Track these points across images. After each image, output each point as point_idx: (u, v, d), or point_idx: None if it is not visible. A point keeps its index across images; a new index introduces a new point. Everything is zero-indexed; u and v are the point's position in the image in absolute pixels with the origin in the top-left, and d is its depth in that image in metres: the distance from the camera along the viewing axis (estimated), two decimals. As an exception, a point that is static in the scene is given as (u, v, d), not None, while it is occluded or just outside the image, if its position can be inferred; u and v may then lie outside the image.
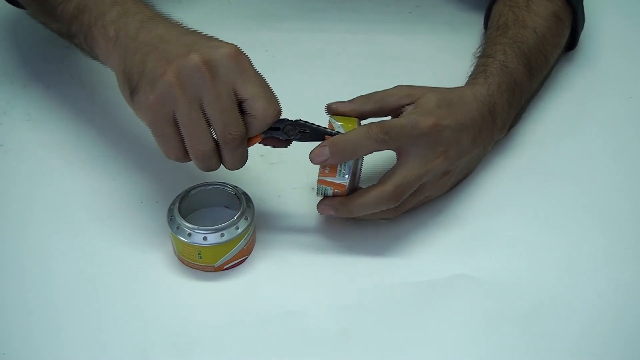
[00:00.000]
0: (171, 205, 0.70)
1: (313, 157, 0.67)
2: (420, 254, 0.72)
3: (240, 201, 0.70)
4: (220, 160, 0.66)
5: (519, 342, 0.66)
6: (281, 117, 0.66)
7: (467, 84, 0.78)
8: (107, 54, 0.70)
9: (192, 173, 0.77)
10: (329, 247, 0.72)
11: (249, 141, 0.66)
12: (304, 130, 0.68)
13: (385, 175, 0.70)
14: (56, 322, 0.66)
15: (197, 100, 0.63)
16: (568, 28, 0.88)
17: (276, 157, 0.80)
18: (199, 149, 0.65)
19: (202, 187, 0.71)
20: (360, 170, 0.70)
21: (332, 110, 0.72)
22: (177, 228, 0.68)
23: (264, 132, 0.67)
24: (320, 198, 0.71)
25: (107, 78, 0.88)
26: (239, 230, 0.68)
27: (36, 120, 0.84)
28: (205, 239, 0.67)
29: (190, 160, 0.66)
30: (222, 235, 0.68)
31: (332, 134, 0.68)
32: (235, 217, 0.68)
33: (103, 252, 0.71)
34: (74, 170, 0.79)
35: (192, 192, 0.71)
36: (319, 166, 0.68)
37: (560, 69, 0.90)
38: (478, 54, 0.83)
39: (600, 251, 0.73)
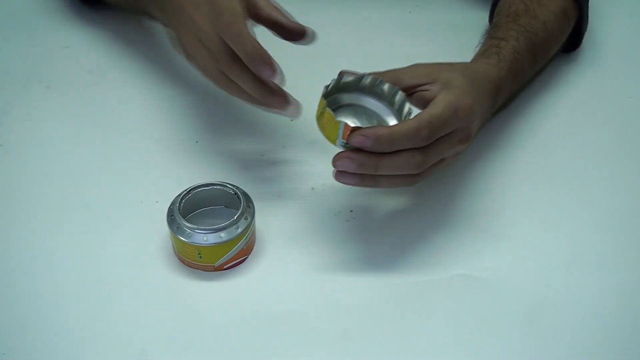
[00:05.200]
0: (171, 205, 0.70)
1: (355, 142, 0.65)
2: (421, 254, 0.72)
3: (240, 201, 0.70)
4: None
5: (519, 342, 0.66)
6: None
7: (480, 62, 0.78)
8: None
9: (192, 173, 0.77)
10: (329, 247, 0.72)
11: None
12: None
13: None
14: (56, 322, 0.66)
15: None
16: (571, 27, 0.88)
17: (276, 157, 0.80)
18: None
19: (202, 187, 0.71)
20: None
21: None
22: (177, 228, 0.68)
23: None
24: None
25: (108, 78, 0.89)
26: (239, 230, 0.68)
27: (36, 120, 0.84)
28: (205, 239, 0.67)
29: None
30: (222, 235, 0.68)
31: None
32: (235, 217, 0.68)
33: (103, 252, 0.71)
34: (74, 170, 0.79)
35: (192, 192, 0.71)
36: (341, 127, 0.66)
37: (561, 68, 0.90)
38: (487, 35, 0.83)
39: (600, 251, 0.73)
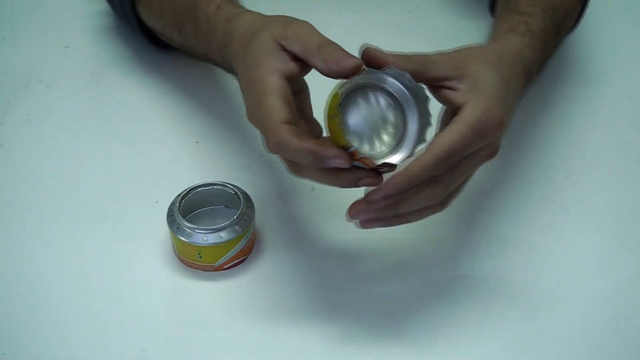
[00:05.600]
0: (171, 205, 0.70)
1: (372, 199, 0.60)
2: (421, 254, 0.72)
3: (240, 201, 0.70)
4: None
5: (519, 342, 0.66)
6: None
7: (513, 40, 0.70)
8: None
9: (192, 173, 0.77)
10: (328, 246, 0.72)
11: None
12: None
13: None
14: (56, 322, 0.66)
15: None
16: (580, 8, 0.84)
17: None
18: None
19: (202, 187, 0.71)
20: None
21: (369, 55, 0.61)
22: (177, 228, 0.68)
23: None
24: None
25: (108, 78, 0.89)
26: (239, 230, 0.68)
27: (36, 120, 0.84)
28: (205, 239, 0.67)
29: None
30: (222, 235, 0.68)
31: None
32: (235, 217, 0.68)
33: (103, 252, 0.71)
34: (74, 170, 0.79)
35: (192, 192, 0.71)
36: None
37: (560, 68, 0.90)
38: (505, 9, 0.76)
39: (600, 251, 0.73)
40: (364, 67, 0.61)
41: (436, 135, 0.61)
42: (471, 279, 0.70)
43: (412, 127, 0.62)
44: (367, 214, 0.61)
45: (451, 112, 0.63)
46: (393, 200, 0.60)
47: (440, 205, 0.63)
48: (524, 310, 0.68)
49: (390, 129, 0.62)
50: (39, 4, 0.98)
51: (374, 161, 0.59)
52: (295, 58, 0.63)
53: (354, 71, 0.60)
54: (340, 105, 0.59)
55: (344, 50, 0.61)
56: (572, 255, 0.72)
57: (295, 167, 0.62)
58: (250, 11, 0.70)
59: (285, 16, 0.66)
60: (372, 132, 0.61)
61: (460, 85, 0.62)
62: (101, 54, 0.91)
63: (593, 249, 0.73)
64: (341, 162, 0.58)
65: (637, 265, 0.71)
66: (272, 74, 0.62)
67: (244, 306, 0.68)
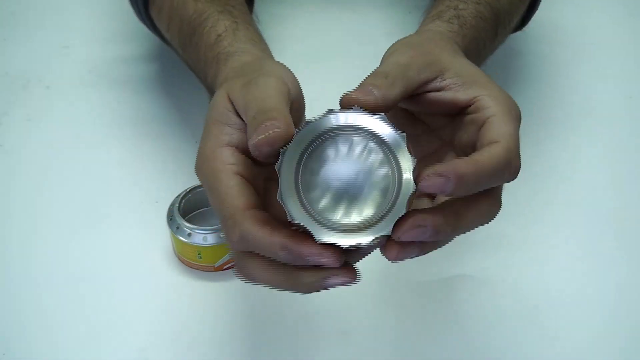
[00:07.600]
0: (171, 205, 0.70)
1: (427, 187, 0.45)
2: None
3: (240, 201, 0.69)
4: None
5: (518, 342, 0.66)
6: None
7: (440, 27, 0.60)
8: None
9: (192, 173, 0.77)
10: (329, 247, 0.72)
11: None
12: None
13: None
14: (56, 322, 0.66)
15: None
16: (525, 5, 0.75)
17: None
18: None
19: (202, 187, 0.71)
20: None
21: (352, 103, 0.48)
22: (177, 228, 0.68)
23: None
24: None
25: (108, 78, 0.89)
26: (239, 230, 0.68)
27: (36, 120, 0.84)
28: (205, 239, 0.67)
29: None
30: (222, 235, 0.68)
31: None
32: (235, 217, 0.68)
33: (103, 252, 0.71)
34: (73, 171, 0.79)
35: (192, 192, 0.71)
36: None
37: (559, 68, 0.90)
38: None
39: (600, 251, 0.73)
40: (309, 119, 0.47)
41: (484, 129, 0.51)
42: (471, 279, 0.70)
43: (407, 177, 0.45)
44: (422, 231, 0.45)
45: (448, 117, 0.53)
46: (452, 216, 0.46)
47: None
48: (524, 310, 0.68)
49: (380, 183, 0.45)
50: (39, 4, 0.98)
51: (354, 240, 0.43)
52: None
53: (280, 142, 0.46)
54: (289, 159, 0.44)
55: (282, 119, 0.46)
56: (572, 255, 0.72)
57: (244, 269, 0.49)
58: (247, 51, 0.60)
59: (263, 67, 0.54)
60: (349, 190, 0.45)
61: (447, 82, 0.52)
62: (101, 54, 0.91)
63: (593, 249, 0.73)
64: (326, 261, 0.45)
65: (637, 265, 0.72)
66: (221, 146, 0.50)
67: (244, 306, 0.68)
